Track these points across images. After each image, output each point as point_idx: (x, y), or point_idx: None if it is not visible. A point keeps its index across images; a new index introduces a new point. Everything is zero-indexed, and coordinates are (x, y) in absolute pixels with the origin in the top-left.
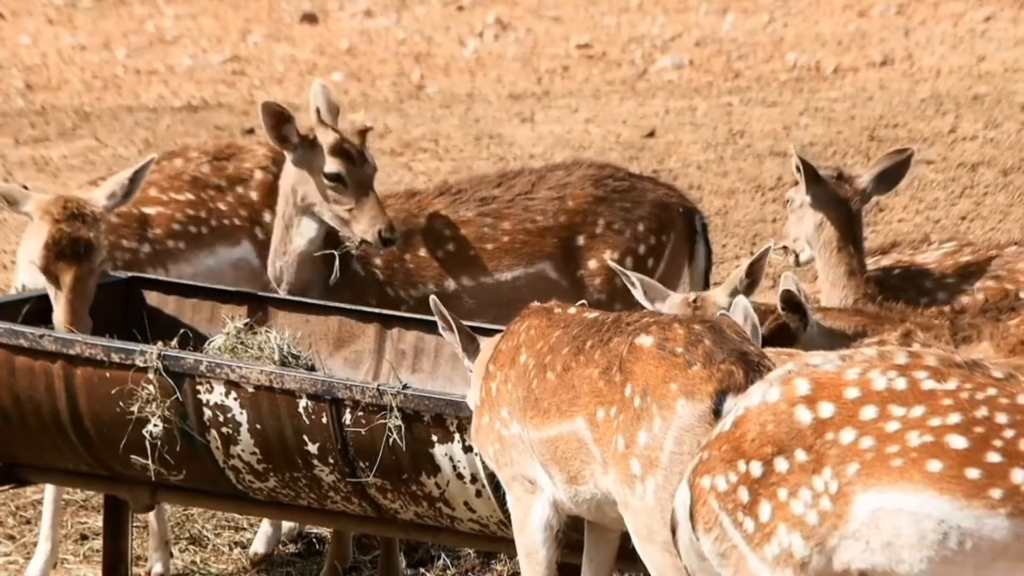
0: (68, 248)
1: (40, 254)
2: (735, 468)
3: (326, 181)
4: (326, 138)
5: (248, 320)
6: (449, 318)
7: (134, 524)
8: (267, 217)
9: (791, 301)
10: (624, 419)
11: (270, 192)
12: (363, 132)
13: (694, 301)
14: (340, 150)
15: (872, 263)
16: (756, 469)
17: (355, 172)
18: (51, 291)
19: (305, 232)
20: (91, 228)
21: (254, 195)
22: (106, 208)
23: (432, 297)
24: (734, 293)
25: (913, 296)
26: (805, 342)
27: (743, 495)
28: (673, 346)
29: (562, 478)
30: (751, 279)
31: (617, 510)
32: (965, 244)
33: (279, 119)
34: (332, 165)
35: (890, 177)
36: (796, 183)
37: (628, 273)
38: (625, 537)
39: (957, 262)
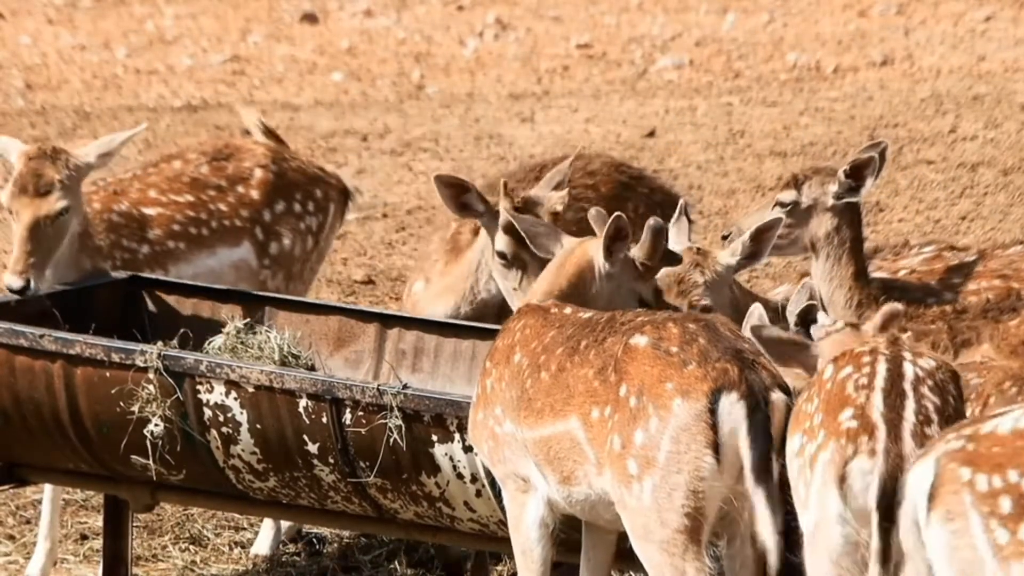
0: (31, 184)
1: (7, 190)
2: (1003, 474)
3: (497, 257)
4: (502, 216)
5: (248, 320)
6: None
7: (134, 524)
8: (267, 216)
9: (807, 319)
10: (620, 419)
11: (270, 190)
12: (555, 215)
13: (698, 251)
14: (511, 230)
15: None
16: None
17: (523, 255)
18: (13, 230)
19: (492, 288)
20: (60, 170)
21: (255, 194)
22: (88, 164)
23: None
24: (733, 254)
25: (919, 297)
26: None
27: (1004, 504)
28: (668, 345)
29: (555, 478)
30: (756, 247)
31: (611, 511)
32: (944, 248)
33: (458, 190)
34: (501, 243)
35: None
36: (789, 185)
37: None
38: (623, 536)
39: (937, 268)
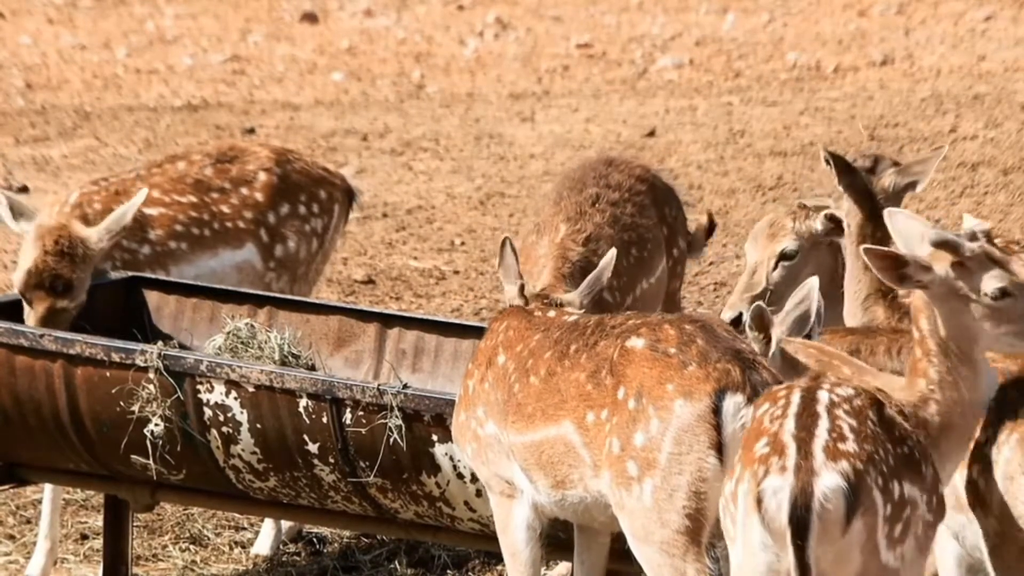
0: (47, 281)
1: (21, 277)
2: None
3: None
4: None
5: (248, 320)
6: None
7: (134, 524)
8: (272, 219)
9: (760, 319)
10: (618, 421)
11: (274, 193)
12: None
13: (802, 205)
14: None
15: None
16: None
17: None
18: (26, 310)
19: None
20: (75, 268)
21: (259, 196)
22: (102, 249)
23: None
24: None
25: None
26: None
27: None
28: (666, 347)
29: (547, 483)
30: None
31: (605, 513)
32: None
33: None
34: None
35: (916, 172)
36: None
37: None
38: (617, 537)
39: None
